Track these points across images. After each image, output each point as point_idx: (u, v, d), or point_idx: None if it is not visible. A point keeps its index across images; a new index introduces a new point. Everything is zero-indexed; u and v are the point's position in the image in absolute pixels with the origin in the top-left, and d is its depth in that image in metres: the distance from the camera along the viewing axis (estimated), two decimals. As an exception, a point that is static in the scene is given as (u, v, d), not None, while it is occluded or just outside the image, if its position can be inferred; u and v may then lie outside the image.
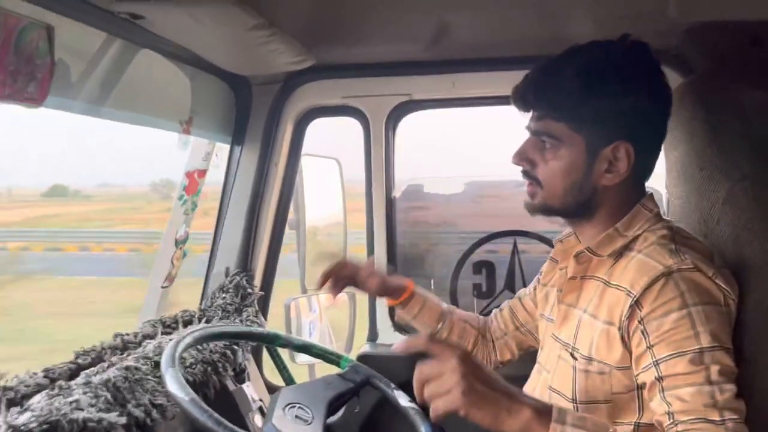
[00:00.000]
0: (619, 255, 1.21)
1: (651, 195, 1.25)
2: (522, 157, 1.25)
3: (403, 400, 1.48)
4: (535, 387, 1.34)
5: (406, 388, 1.55)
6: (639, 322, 1.10)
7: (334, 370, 1.76)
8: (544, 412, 1.03)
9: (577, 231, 1.30)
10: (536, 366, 1.39)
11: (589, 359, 1.18)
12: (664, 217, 1.25)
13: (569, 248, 1.30)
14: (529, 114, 1.25)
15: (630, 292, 1.12)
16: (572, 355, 1.21)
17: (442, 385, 1.02)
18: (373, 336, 2.09)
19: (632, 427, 1.16)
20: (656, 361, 1.08)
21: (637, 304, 1.10)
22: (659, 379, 1.07)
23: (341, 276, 1.56)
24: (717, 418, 1.02)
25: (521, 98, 1.24)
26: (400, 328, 2.07)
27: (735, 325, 1.11)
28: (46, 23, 1.16)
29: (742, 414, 1.04)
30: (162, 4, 1.25)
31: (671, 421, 1.05)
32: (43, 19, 1.16)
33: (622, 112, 1.17)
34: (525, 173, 1.26)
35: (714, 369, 1.04)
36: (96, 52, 1.40)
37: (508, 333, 1.57)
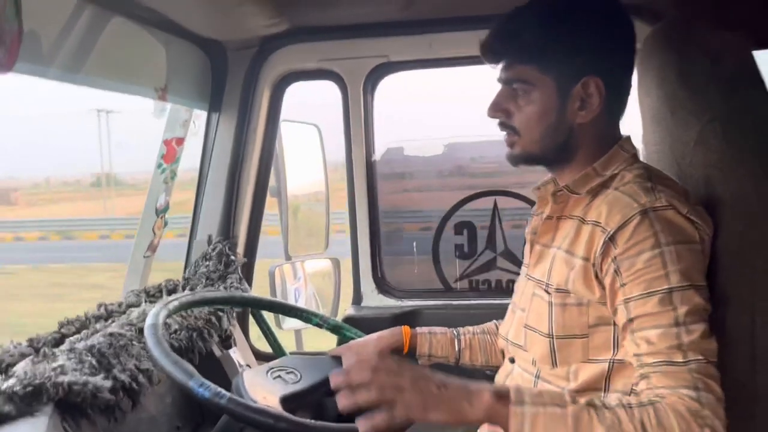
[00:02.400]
0: (595, 193, 1.22)
1: (629, 137, 1.26)
2: (497, 108, 1.26)
3: None
4: (509, 326, 1.35)
5: None
6: (612, 260, 1.12)
7: (321, 334, 1.78)
8: (503, 394, 1.03)
9: (558, 176, 1.31)
10: (510, 306, 1.40)
11: (566, 292, 1.19)
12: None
13: (546, 194, 1.31)
14: (500, 66, 1.26)
15: (605, 228, 1.13)
16: (546, 290, 1.23)
17: (382, 399, 1.01)
18: (357, 299, 2.10)
19: (607, 364, 1.17)
20: (626, 299, 1.10)
21: (611, 240, 1.12)
22: (630, 320, 1.10)
23: None
24: (681, 359, 1.04)
25: (489, 49, 1.25)
26: (384, 290, 2.09)
27: (708, 262, 1.13)
28: (12, -14, 1.14)
29: (710, 353, 1.05)
30: None
31: (639, 362, 1.08)
32: (9, -17, 1.14)
33: (588, 47, 1.19)
34: (502, 124, 1.26)
35: (682, 309, 1.06)
36: (68, 18, 1.38)
37: None
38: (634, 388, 1.11)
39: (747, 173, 1.15)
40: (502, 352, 1.46)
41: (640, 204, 1.11)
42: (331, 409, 1.64)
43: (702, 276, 1.10)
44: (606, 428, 0.99)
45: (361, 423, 1.02)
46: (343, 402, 1.02)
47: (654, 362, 1.05)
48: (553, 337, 1.21)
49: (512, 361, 1.34)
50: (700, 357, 1.04)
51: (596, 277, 1.15)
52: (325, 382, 1.45)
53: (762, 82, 1.23)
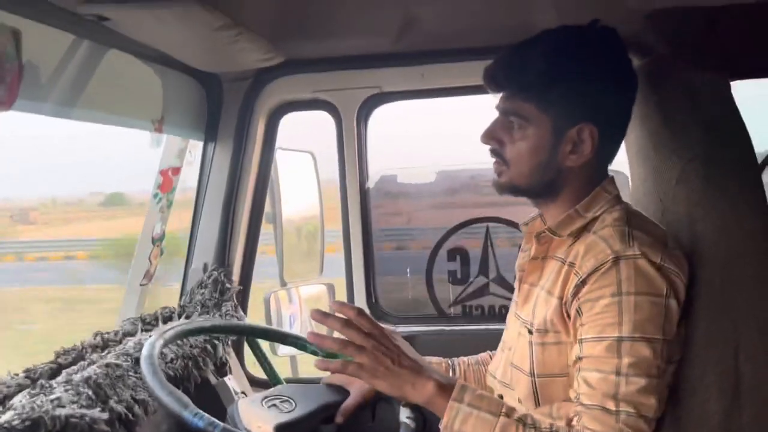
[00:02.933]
0: (577, 235, 1.24)
1: (612, 178, 1.28)
2: (491, 136, 1.27)
3: (403, 415, 1.49)
4: (498, 365, 1.37)
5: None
6: (578, 300, 1.15)
7: (311, 360, 1.79)
8: (447, 387, 1.14)
9: (543, 211, 1.33)
10: (500, 344, 1.42)
11: (545, 331, 1.21)
12: (624, 200, 1.28)
13: (534, 230, 1.34)
14: (499, 95, 1.28)
15: (578, 271, 1.16)
16: (529, 330, 1.25)
17: (353, 356, 1.16)
18: (352, 325, 2.11)
19: None
20: (581, 339, 1.14)
21: (582, 283, 1.15)
22: (579, 358, 1.13)
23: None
24: (612, 408, 1.08)
25: (492, 78, 1.27)
26: (379, 316, 2.10)
27: (685, 304, 1.15)
28: (13, 27, 1.17)
29: (645, 408, 1.08)
30: (126, 5, 1.26)
31: (576, 400, 1.12)
32: (9, 23, 1.16)
33: (589, 94, 1.21)
34: (493, 152, 1.28)
35: (626, 360, 1.09)
36: (65, 53, 1.40)
37: None
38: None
39: (728, 210, 1.17)
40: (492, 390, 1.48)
41: (613, 251, 1.14)
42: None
43: (659, 330, 1.11)
44: None
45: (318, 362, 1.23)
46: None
47: (588, 404, 1.10)
48: (534, 376, 1.23)
49: (500, 397, 1.35)
50: (632, 410, 1.08)
51: (567, 317, 1.18)
52: (320, 410, 1.47)
53: (740, 119, 1.26)
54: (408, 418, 1.46)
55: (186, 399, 1.21)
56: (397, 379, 1.16)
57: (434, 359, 1.56)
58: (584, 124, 1.21)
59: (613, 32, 1.24)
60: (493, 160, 1.30)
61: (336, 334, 1.24)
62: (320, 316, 1.21)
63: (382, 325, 1.22)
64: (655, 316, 1.11)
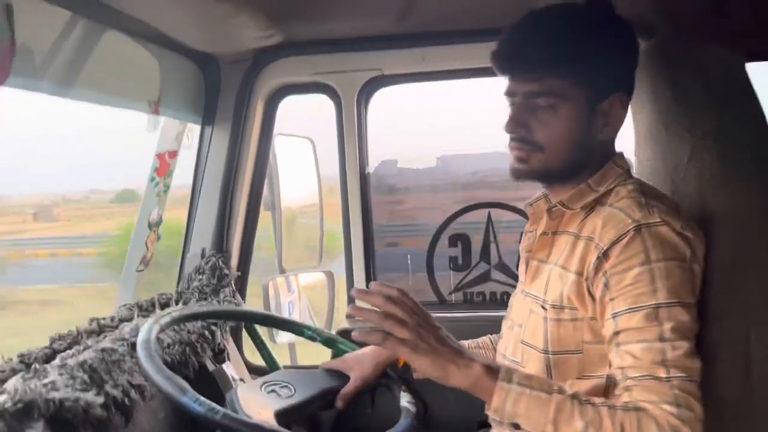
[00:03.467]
0: (590, 209, 1.23)
1: (621, 153, 1.27)
2: (518, 123, 1.22)
3: (403, 400, 1.48)
4: (508, 343, 1.35)
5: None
6: (603, 274, 1.12)
7: (314, 348, 1.78)
8: (493, 369, 1.08)
9: (552, 192, 1.30)
10: (508, 323, 1.40)
11: (561, 308, 1.19)
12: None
13: (539, 210, 1.31)
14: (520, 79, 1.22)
15: (598, 244, 1.14)
16: (543, 307, 1.23)
17: (394, 329, 1.08)
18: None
19: (603, 379, 1.18)
20: (614, 314, 1.11)
21: (604, 255, 1.12)
22: (616, 333, 1.10)
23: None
24: (663, 375, 1.05)
25: (524, 59, 1.19)
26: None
27: (702, 276, 1.14)
28: (5, 1, 1.14)
29: (693, 371, 1.06)
30: None
31: (622, 375, 1.09)
32: (0, -2, 1.14)
33: (617, 62, 1.20)
34: (519, 139, 1.23)
35: (668, 326, 1.07)
36: (61, 31, 1.38)
37: None
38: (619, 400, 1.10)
39: (740, 188, 1.16)
40: None
41: (633, 220, 1.12)
42: (326, 423, 1.64)
43: (690, 294, 1.11)
44: (585, 423, 1.02)
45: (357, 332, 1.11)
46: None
47: (637, 376, 1.07)
48: (549, 353, 1.21)
49: None
50: (683, 374, 1.05)
51: (588, 291, 1.16)
52: (320, 395, 1.46)
53: (755, 97, 1.24)
54: (409, 402, 1.45)
55: (185, 384, 1.18)
56: (440, 358, 1.08)
57: None
58: (617, 93, 1.21)
59: (609, 3, 1.22)
60: (517, 147, 1.24)
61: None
62: (361, 292, 1.14)
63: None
64: (685, 281, 1.10)
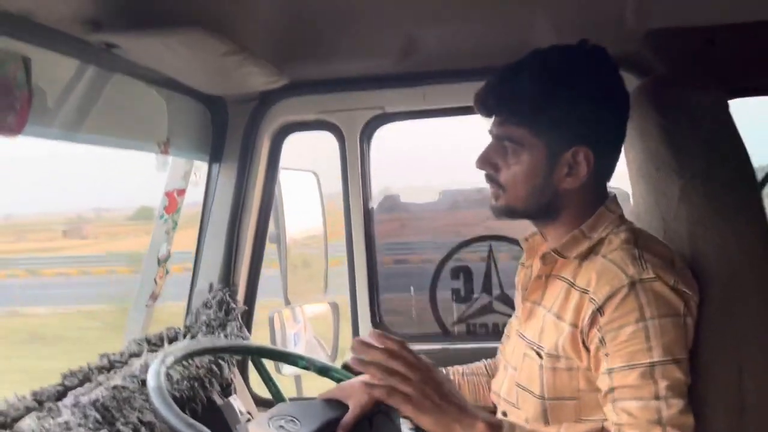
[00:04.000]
0: (584, 257, 1.24)
1: (614, 197, 1.28)
2: (485, 161, 1.27)
3: (405, 427, 1.51)
4: (502, 383, 1.37)
5: None
6: (598, 329, 1.14)
7: (318, 379, 1.80)
8: (496, 426, 1.09)
9: (543, 231, 1.33)
10: (502, 362, 1.42)
11: (557, 357, 1.21)
12: (627, 218, 1.29)
13: (535, 246, 1.34)
14: (492, 120, 1.28)
15: (593, 298, 1.15)
16: (538, 354, 1.24)
17: (397, 386, 1.10)
18: (356, 344, 2.11)
19: (600, 425, 1.19)
20: (609, 369, 1.12)
21: (599, 311, 1.14)
22: (611, 389, 1.12)
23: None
24: None
25: (482, 104, 1.27)
26: (384, 335, 2.10)
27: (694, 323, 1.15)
28: (23, 55, 1.19)
29: (687, 428, 1.08)
30: (136, 33, 1.28)
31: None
32: (19, 51, 1.18)
33: (581, 116, 1.20)
34: (488, 177, 1.28)
35: (663, 384, 1.09)
36: (71, 78, 1.42)
37: None
38: None
39: (729, 228, 1.18)
40: (494, 404, 1.48)
41: (628, 276, 1.13)
42: None
43: (684, 349, 1.12)
44: None
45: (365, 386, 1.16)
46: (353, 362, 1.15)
47: None
48: (545, 399, 1.23)
49: (504, 414, 1.36)
50: None
51: (583, 345, 1.17)
52: (323, 427, 1.48)
53: (738, 137, 1.27)
54: (410, 429, 1.47)
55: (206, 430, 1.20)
56: (444, 416, 1.09)
57: None
58: (579, 146, 1.21)
59: (603, 51, 1.23)
60: (489, 184, 1.29)
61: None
62: (362, 347, 1.15)
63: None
64: (679, 337, 1.12)
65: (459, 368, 1.59)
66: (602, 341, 1.13)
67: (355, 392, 1.53)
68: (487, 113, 1.28)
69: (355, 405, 1.50)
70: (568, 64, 1.22)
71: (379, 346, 1.14)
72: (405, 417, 1.32)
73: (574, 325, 1.18)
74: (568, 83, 1.20)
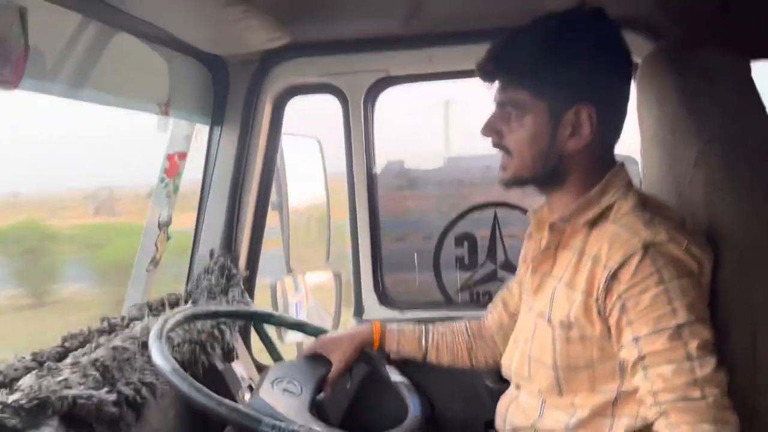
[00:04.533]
0: (593, 224, 1.22)
1: (622, 164, 1.26)
2: (490, 128, 1.27)
3: (394, 375, 1.52)
4: (513, 356, 1.36)
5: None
6: (618, 297, 1.12)
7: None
8: None
9: (550, 200, 1.31)
10: (512, 336, 1.41)
11: (569, 326, 1.20)
12: (635, 186, 1.27)
13: (543, 219, 1.32)
14: (495, 86, 1.27)
15: (606, 264, 1.14)
16: (550, 323, 1.23)
17: None
18: (359, 311, 2.10)
19: (614, 393, 1.18)
20: (636, 338, 1.10)
21: (613, 277, 1.12)
22: (641, 357, 1.10)
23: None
24: (698, 395, 1.05)
25: (483, 70, 1.26)
26: (386, 303, 2.09)
27: (710, 287, 1.14)
28: (19, 5, 1.16)
29: (723, 384, 1.07)
30: None
31: (654, 399, 1.08)
32: (15, 1, 1.15)
33: (581, 75, 1.19)
34: (495, 144, 1.27)
35: (693, 344, 1.07)
36: (72, 34, 1.39)
37: (503, 325, 1.55)
38: (652, 425, 1.11)
39: (746, 194, 1.16)
40: (470, 357, 1.54)
41: (641, 239, 1.12)
42: (333, 415, 1.67)
43: (705, 308, 1.12)
44: None
45: None
46: None
47: (671, 398, 1.07)
48: (558, 369, 1.22)
49: (518, 387, 1.36)
50: (716, 390, 1.06)
51: (598, 313, 1.16)
52: (317, 384, 1.50)
53: (761, 103, 1.25)
54: (401, 376, 1.54)
55: (257, 414, 1.21)
56: None
57: (408, 327, 1.61)
58: (580, 105, 1.20)
59: (601, 11, 1.22)
60: (501, 154, 1.28)
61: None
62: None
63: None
64: (699, 296, 1.12)
65: (440, 328, 1.61)
66: (623, 308, 1.12)
67: (338, 347, 1.57)
68: (489, 78, 1.27)
69: (339, 359, 1.57)
70: (566, 25, 1.21)
71: None
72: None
73: (587, 293, 1.17)
74: (566, 42, 1.20)
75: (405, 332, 1.60)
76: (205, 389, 1.22)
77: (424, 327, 1.61)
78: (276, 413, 1.28)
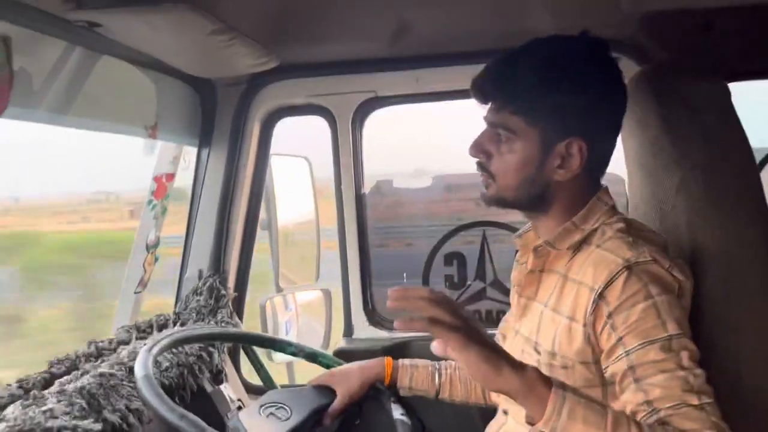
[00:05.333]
0: (577, 249, 1.22)
1: (606, 189, 1.27)
2: (478, 149, 1.25)
3: (396, 412, 1.50)
4: None
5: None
6: (607, 317, 1.12)
7: (310, 366, 1.79)
8: (545, 376, 1.01)
9: (535, 224, 1.31)
10: None
11: (553, 354, 1.19)
12: (620, 210, 1.27)
13: (528, 242, 1.32)
14: (488, 106, 1.25)
15: (593, 287, 1.13)
16: (536, 350, 1.23)
17: (443, 317, 0.99)
18: (348, 331, 2.10)
19: None
20: (627, 351, 1.09)
21: (601, 298, 1.12)
22: (632, 369, 1.09)
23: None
24: (696, 402, 1.04)
25: (479, 90, 1.24)
26: (375, 322, 2.09)
27: (690, 313, 1.15)
28: (2, 34, 1.16)
29: (713, 396, 1.06)
30: (118, 11, 1.24)
31: (651, 409, 1.06)
32: (-1, 31, 1.15)
33: (578, 108, 1.18)
34: (480, 165, 1.26)
35: (684, 355, 1.07)
36: (57, 60, 1.39)
37: None
38: None
39: (728, 220, 1.17)
40: (483, 392, 1.51)
41: (624, 259, 1.12)
42: None
43: (688, 327, 1.12)
44: None
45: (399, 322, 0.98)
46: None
47: (671, 405, 1.05)
48: None
49: (505, 413, 1.35)
50: (711, 399, 1.05)
51: (586, 336, 1.15)
52: (312, 414, 1.49)
53: (740, 126, 1.26)
54: (402, 415, 1.47)
55: (202, 423, 1.19)
56: (493, 354, 0.98)
57: (421, 362, 1.57)
58: (573, 138, 1.19)
59: (603, 43, 1.22)
60: (480, 172, 1.27)
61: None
62: (399, 294, 1.00)
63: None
64: (683, 315, 1.12)
65: (452, 363, 1.57)
66: (613, 327, 1.11)
67: (345, 381, 1.54)
68: (484, 99, 1.25)
69: (343, 392, 1.52)
70: (569, 54, 1.20)
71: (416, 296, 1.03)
72: (447, 356, 1.20)
73: (572, 318, 1.16)
74: (568, 74, 1.18)
75: (417, 368, 1.57)
76: (166, 397, 1.23)
77: (436, 363, 1.57)
78: None
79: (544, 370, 1.18)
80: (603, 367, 1.14)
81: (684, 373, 1.06)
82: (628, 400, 1.10)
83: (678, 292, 1.13)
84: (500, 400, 1.36)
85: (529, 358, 1.24)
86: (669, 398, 1.05)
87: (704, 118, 1.25)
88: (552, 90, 1.18)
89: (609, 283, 1.11)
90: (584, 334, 1.15)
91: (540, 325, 1.24)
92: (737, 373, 1.12)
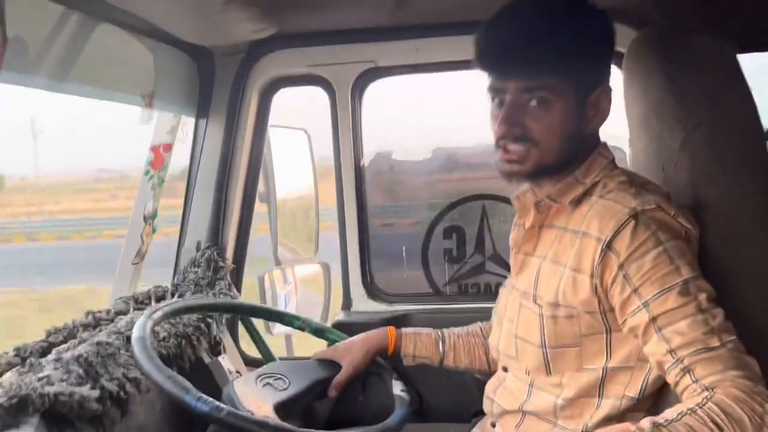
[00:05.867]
0: (578, 202, 1.23)
1: (605, 143, 1.28)
2: (512, 122, 1.20)
3: (396, 388, 1.51)
4: (498, 338, 1.36)
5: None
6: (619, 268, 1.12)
7: (309, 339, 1.79)
8: None
9: (538, 186, 1.29)
10: (495, 318, 1.41)
11: (556, 304, 1.20)
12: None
13: (527, 203, 1.31)
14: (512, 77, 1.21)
15: (599, 237, 1.14)
16: (536, 302, 1.23)
17: None
18: (347, 304, 2.10)
19: (600, 371, 1.19)
20: (645, 302, 1.10)
21: (609, 248, 1.13)
22: (653, 319, 1.10)
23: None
24: (717, 343, 1.05)
25: (523, 56, 1.17)
26: (374, 295, 2.09)
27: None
28: (-6, -4, 1.14)
29: (734, 332, 1.07)
30: None
31: (675, 358, 1.07)
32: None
33: (600, 57, 1.23)
34: (516, 139, 1.21)
35: (702, 297, 1.08)
36: (54, 26, 1.37)
37: None
38: (677, 388, 1.09)
39: (731, 178, 1.17)
40: (487, 359, 1.50)
41: (630, 208, 1.13)
42: (321, 413, 1.66)
43: (698, 268, 1.12)
44: None
45: None
46: None
47: (692, 352, 1.06)
48: (545, 347, 1.22)
49: (505, 369, 1.35)
50: (732, 336, 1.06)
51: (593, 287, 1.16)
52: (314, 386, 1.49)
53: (747, 88, 1.25)
54: (402, 391, 1.47)
55: (187, 383, 1.19)
56: None
57: (424, 330, 1.57)
58: (601, 86, 1.22)
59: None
60: (511, 146, 1.22)
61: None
62: None
63: None
64: (693, 257, 1.13)
65: (455, 330, 1.58)
66: (626, 277, 1.12)
67: (349, 353, 1.54)
68: (524, 66, 1.19)
69: (348, 365, 1.53)
70: (575, 8, 1.21)
71: None
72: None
73: (577, 270, 1.17)
74: (584, 26, 1.20)
75: (421, 335, 1.57)
76: (159, 361, 1.23)
77: (439, 331, 1.57)
78: (237, 401, 1.29)
79: (548, 323, 1.20)
80: (620, 321, 1.15)
81: (703, 316, 1.07)
82: (651, 351, 1.11)
83: (686, 238, 1.14)
84: (499, 355, 1.36)
85: (529, 312, 1.25)
86: (690, 344, 1.06)
87: (709, 76, 1.25)
88: (583, 43, 1.19)
89: (617, 233, 1.12)
90: (591, 285, 1.16)
91: (539, 278, 1.24)
92: (740, 325, 1.10)
